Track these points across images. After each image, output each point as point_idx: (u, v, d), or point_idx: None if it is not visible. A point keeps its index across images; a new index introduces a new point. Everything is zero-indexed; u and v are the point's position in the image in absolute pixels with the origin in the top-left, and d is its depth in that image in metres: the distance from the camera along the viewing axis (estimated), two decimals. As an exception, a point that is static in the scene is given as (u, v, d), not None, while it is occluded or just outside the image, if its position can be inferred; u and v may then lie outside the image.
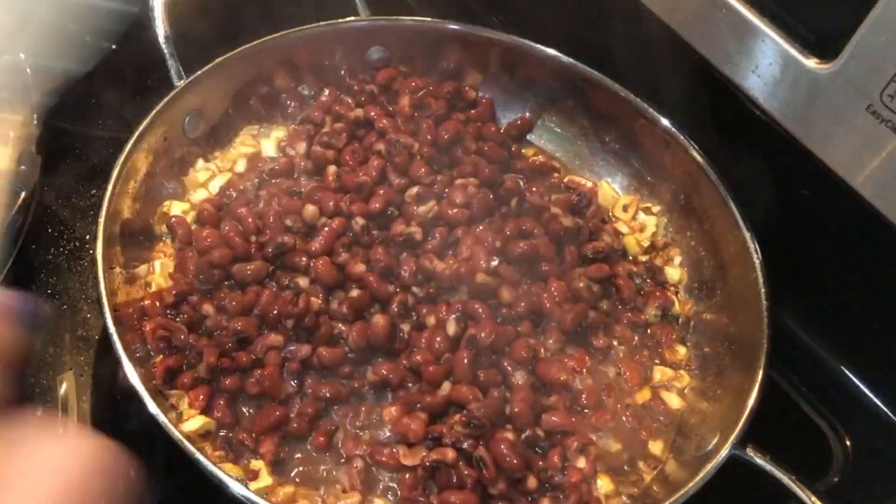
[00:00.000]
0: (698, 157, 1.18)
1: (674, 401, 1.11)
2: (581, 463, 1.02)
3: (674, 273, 1.21)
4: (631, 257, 1.23)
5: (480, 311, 1.07)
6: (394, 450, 1.00)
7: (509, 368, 1.06)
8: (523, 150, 1.32)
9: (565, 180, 1.30)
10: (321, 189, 1.17)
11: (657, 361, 1.14)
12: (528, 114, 1.34)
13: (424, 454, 0.98)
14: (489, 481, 0.97)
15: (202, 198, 1.20)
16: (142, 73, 1.39)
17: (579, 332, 1.13)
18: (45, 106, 1.04)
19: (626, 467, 1.05)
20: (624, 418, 1.08)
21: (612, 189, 1.30)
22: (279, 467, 1.00)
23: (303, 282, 1.09)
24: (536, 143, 1.35)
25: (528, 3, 1.45)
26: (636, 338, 1.16)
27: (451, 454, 0.97)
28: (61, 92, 1.11)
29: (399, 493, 0.99)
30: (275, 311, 1.06)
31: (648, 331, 1.17)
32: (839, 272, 1.13)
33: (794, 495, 0.94)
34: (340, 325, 1.08)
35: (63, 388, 1.04)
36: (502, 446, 0.98)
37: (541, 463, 1.01)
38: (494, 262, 1.12)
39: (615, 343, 1.14)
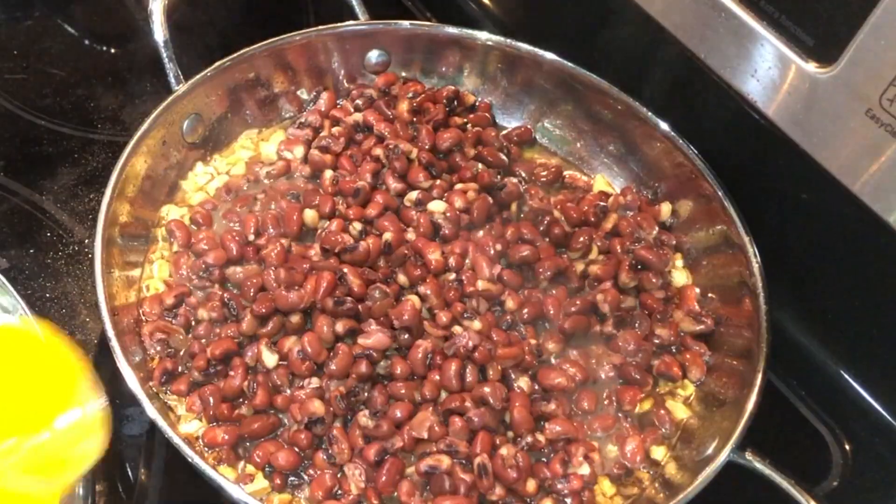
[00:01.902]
0: (697, 161, 1.17)
1: (679, 410, 1.09)
2: (584, 470, 1.01)
3: (679, 277, 1.20)
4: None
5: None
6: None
7: (512, 375, 1.06)
8: (522, 153, 1.31)
9: (566, 174, 1.29)
10: (318, 193, 1.17)
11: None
12: (527, 123, 1.34)
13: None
14: (486, 488, 0.97)
15: (200, 201, 1.19)
16: (140, 78, 1.40)
17: (582, 337, 1.12)
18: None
19: (625, 471, 1.04)
20: (626, 425, 1.07)
21: (610, 187, 1.29)
22: (274, 473, 0.99)
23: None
24: (535, 146, 1.34)
25: (527, 8, 1.45)
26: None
27: (445, 461, 0.97)
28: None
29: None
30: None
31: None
32: (838, 276, 1.12)
33: (793, 500, 0.94)
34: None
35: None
36: (504, 451, 0.98)
37: (545, 471, 1.00)
38: (496, 269, 1.12)
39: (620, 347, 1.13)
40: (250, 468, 0.99)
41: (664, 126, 1.20)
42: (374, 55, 1.32)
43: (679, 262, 1.21)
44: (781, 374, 1.17)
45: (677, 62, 1.14)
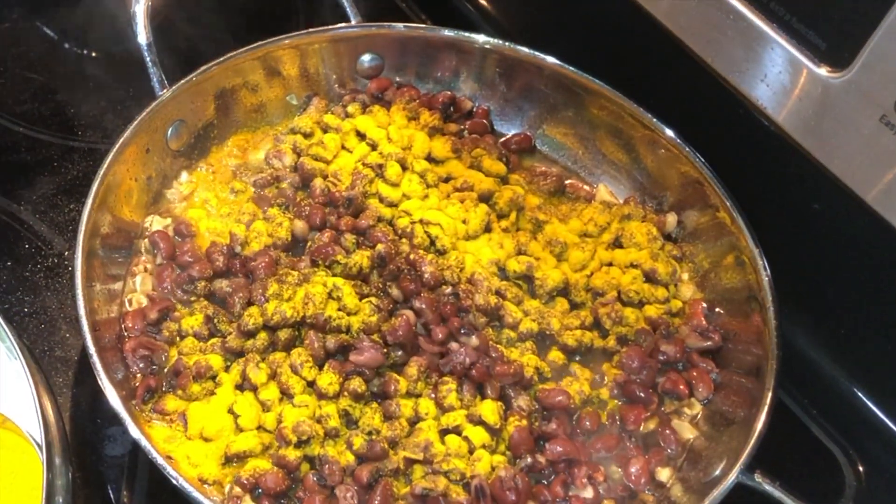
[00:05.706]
0: (704, 170, 1.17)
1: (685, 430, 1.08)
2: (587, 492, 1.00)
3: (686, 290, 1.19)
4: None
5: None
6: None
7: (511, 393, 1.05)
8: (522, 161, 1.31)
9: (567, 183, 1.29)
10: (308, 203, 1.17)
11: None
12: (526, 130, 1.33)
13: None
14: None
15: (185, 211, 1.19)
16: (123, 82, 1.40)
17: (585, 352, 1.12)
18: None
19: (629, 494, 1.03)
20: (630, 445, 1.06)
21: (612, 197, 1.28)
22: (262, 496, 0.98)
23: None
24: (535, 153, 1.34)
25: (527, 10, 1.45)
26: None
27: (441, 482, 0.97)
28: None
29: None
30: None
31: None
32: (851, 290, 1.12)
33: (804, 523, 0.94)
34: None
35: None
36: (502, 472, 0.97)
37: (546, 493, 0.99)
38: (496, 281, 1.13)
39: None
40: (237, 490, 0.97)
41: (669, 133, 1.20)
42: (366, 59, 1.31)
43: (685, 275, 1.20)
44: (792, 392, 1.16)
45: (683, 66, 1.14)
